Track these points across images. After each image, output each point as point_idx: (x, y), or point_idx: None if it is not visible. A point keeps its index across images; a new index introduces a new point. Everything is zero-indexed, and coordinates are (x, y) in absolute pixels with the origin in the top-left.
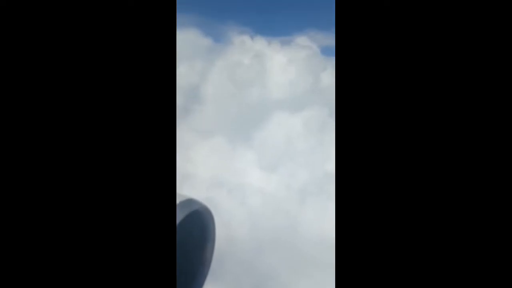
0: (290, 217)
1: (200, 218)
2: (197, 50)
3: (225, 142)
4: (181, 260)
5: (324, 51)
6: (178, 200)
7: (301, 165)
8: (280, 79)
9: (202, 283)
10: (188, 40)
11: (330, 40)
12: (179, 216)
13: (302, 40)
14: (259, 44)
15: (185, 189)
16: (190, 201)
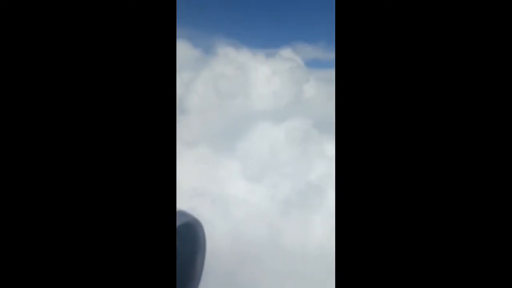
0: (273, 229)
1: (191, 231)
2: (186, 61)
3: (209, 152)
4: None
5: (310, 63)
6: None
7: (284, 176)
8: (264, 90)
9: None
10: (177, 52)
11: (317, 52)
12: None
13: (286, 52)
14: (244, 55)
15: None
16: (180, 213)
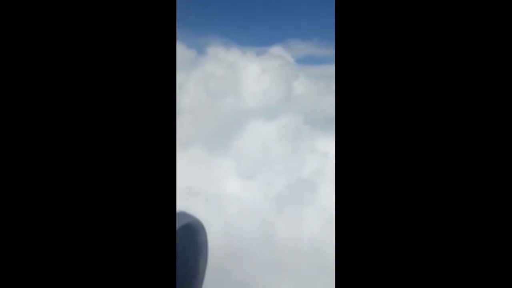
0: (266, 225)
1: (193, 232)
2: (181, 62)
3: (203, 152)
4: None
5: (304, 60)
6: None
7: (277, 173)
8: (254, 88)
9: None
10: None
11: (311, 49)
12: None
13: (276, 50)
14: (234, 54)
15: None
16: (182, 214)
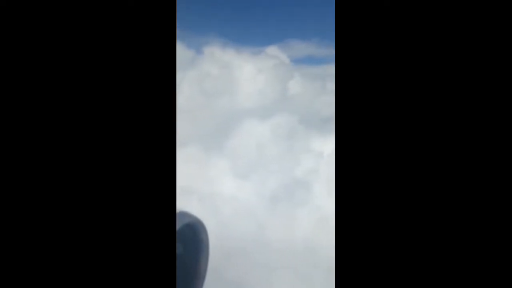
0: (260, 224)
1: (193, 231)
2: (181, 62)
3: (198, 152)
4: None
5: (303, 60)
6: None
7: (271, 172)
8: (249, 88)
9: None
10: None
11: (311, 49)
12: None
13: (272, 50)
14: (229, 54)
15: None
16: (182, 214)
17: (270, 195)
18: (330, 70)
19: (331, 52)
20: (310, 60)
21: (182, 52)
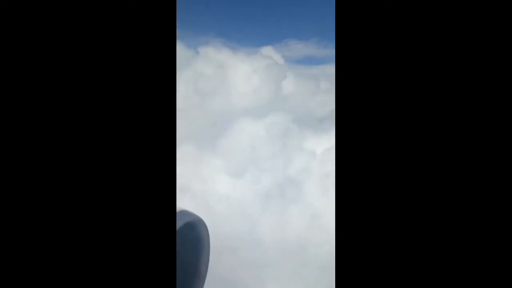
0: (252, 222)
1: (194, 230)
2: (182, 62)
3: (193, 150)
4: (177, 272)
5: (303, 60)
6: None
7: (264, 171)
8: (244, 88)
9: None
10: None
11: (310, 49)
12: None
13: (267, 50)
14: (225, 54)
15: None
16: (183, 213)
17: (262, 194)
18: (324, 70)
19: (330, 52)
20: (309, 61)
21: (182, 51)
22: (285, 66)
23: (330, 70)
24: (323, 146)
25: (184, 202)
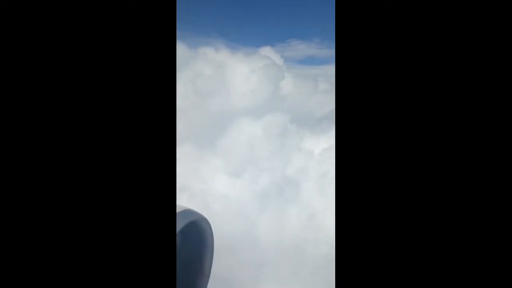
0: (250, 222)
1: (198, 229)
2: (182, 61)
3: (192, 150)
4: (179, 272)
5: (305, 60)
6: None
7: (262, 170)
8: (242, 88)
9: None
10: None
11: (313, 50)
12: (177, 227)
13: (265, 50)
14: (224, 55)
15: None
16: (187, 212)
17: (260, 193)
18: (326, 70)
19: (332, 52)
20: (311, 61)
21: (184, 51)
22: (284, 66)
23: (332, 70)
24: (321, 147)
25: (182, 201)
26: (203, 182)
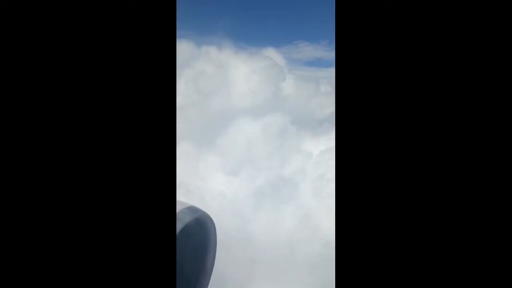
0: (245, 221)
1: (202, 226)
2: (186, 60)
3: (191, 148)
4: (183, 268)
5: (313, 63)
6: (179, 208)
7: (260, 170)
8: (243, 87)
9: None
10: (180, 51)
11: (320, 52)
12: (180, 224)
13: (268, 51)
14: (226, 55)
15: None
16: (191, 209)
17: (256, 192)
18: (328, 73)
19: None
20: (318, 63)
21: (190, 50)
22: (286, 67)
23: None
24: (319, 148)
25: (179, 197)
26: (200, 179)
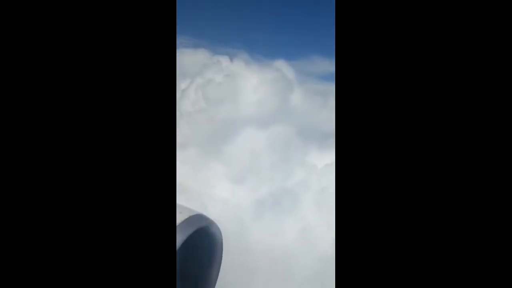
0: (244, 229)
1: (208, 235)
2: (199, 68)
3: (197, 154)
4: (187, 278)
5: (327, 77)
6: (186, 215)
7: (263, 180)
8: (251, 98)
9: None
10: (196, 60)
11: (331, 67)
12: (186, 232)
13: (278, 63)
14: (236, 65)
15: None
16: (199, 217)
17: (258, 202)
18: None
19: None
20: (332, 77)
21: (203, 59)
22: (295, 80)
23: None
24: (324, 162)
25: (180, 202)
26: (204, 185)
